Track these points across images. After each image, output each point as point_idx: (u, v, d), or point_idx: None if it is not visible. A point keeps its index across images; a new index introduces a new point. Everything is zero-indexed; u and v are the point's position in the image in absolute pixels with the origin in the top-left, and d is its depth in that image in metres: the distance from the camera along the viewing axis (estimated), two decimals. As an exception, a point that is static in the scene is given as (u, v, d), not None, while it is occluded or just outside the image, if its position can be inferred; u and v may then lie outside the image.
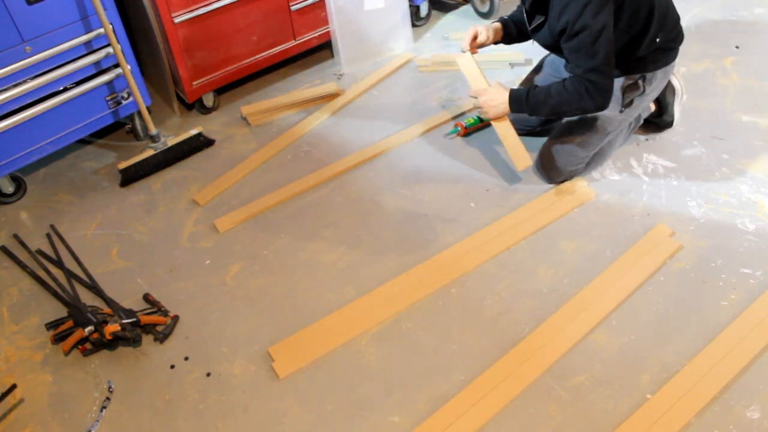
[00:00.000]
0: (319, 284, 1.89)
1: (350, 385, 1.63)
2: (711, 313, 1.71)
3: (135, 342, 1.75)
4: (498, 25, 2.13)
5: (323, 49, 2.88)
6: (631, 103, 1.99)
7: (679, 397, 1.51)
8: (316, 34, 2.69)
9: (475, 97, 2.08)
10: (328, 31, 2.71)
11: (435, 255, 1.92)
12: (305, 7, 2.56)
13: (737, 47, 2.67)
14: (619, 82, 1.97)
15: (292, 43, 2.64)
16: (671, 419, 1.47)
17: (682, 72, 2.54)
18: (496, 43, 2.15)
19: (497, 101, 2.01)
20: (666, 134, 2.27)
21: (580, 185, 2.10)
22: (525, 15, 1.98)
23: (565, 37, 1.81)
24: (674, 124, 2.24)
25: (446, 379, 1.62)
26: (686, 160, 2.17)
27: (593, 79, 1.80)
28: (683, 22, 2.81)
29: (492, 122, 2.09)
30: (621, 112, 2.00)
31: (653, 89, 2.01)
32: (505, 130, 2.07)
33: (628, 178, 2.13)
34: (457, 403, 1.55)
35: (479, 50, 2.15)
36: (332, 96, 2.61)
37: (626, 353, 1.64)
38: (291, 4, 2.52)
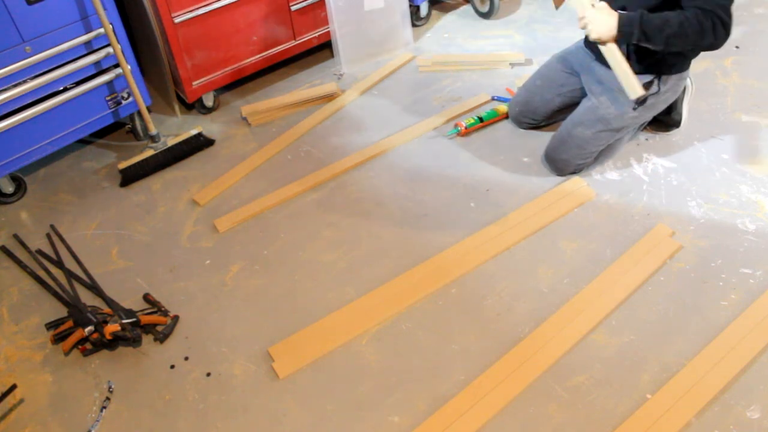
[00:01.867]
0: (319, 284, 1.89)
1: (350, 385, 1.63)
2: (711, 313, 1.71)
3: (135, 342, 1.75)
4: None
5: (323, 49, 2.88)
6: (645, 101, 1.98)
7: (679, 397, 1.51)
8: (316, 34, 2.69)
9: (583, 17, 1.84)
10: (328, 31, 2.71)
11: (435, 255, 1.92)
12: (305, 7, 2.56)
13: (737, 47, 2.67)
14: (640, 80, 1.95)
15: (292, 43, 2.64)
16: (671, 419, 1.47)
17: (682, 72, 2.54)
18: None
19: (601, 20, 1.79)
20: (666, 134, 2.27)
21: (580, 185, 2.10)
22: None
23: None
24: (681, 123, 2.24)
25: (446, 379, 1.62)
26: (686, 160, 2.17)
27: (722, 15, 1.69)
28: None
29: (600, 46, 1.88)
30: (635, 109, 1.99)
31: (668, 91, 2.00)
32: (613, 54, 1.85)
33: (628, 178, 2.13)
34: (457, 403, 1.55)
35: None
36: (332, 96, 2.61)
37: (626, 353, 1.64)
38: (291, 4, 2.52)
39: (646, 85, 1.96)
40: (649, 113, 2.04)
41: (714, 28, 1.70)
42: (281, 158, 2.34)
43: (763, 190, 2.03)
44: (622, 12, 1.78)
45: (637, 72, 1.93)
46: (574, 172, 2.13)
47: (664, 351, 1.63)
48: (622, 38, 1.80)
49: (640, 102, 1.98)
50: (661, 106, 2.06)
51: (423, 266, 1.89)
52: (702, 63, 2.59)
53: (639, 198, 2.05)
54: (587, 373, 1.60)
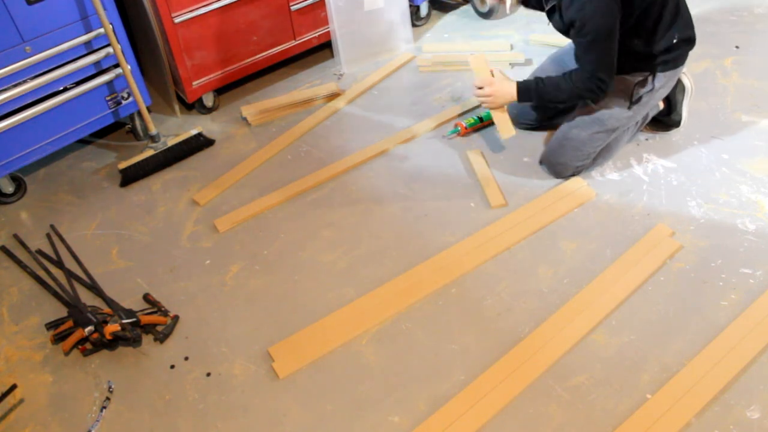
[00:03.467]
0: (319, 284, 1.89)
1: (350, 385, 1.63)
2: (711, 313, 1.71)
3: (135, 342, 1.75)
4: None
5: (323, 49, 2.88)
6: (639, 100, 1.99)
7: (679, 397, 1.51)
8: (316, 34, 2.69)
9: (480, 88, 2.08)
10: (328, 31, 2.71)
11: (435, 255, 1.92)
12: (305, 7, 2.56)
13: (737, 47, 2.67)
14: (629, 79, 1.98)
15: (292, 43, 2.64)
16: (671, 419, 1.47)
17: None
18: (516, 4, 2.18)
19: (504, 92, 2.05)
20: (666, 134, 2.27)
21: (580, 185, 2.10)
22: None
23: (574, 33, 1.84)
24: (681, 123, 2.24)
25: (446, 379, 1.62)
26: (686, 160, 2.17)
27: (603, 78, 1.88)
28: (683, 22, 2.80)
29: (492, 112, 2.14)
30: (629, 108, 2.00)
31: (662, 87, 2.01)
32: (499, 113, 2.13)
33: (628, 178, 2.13)
34: (457, 403, 1.55)
35: (484, 53, 2.14)
36: (332, 96, 2.61)
37: (626, 353, 1.64)
38: (291, 4, 2.52)
39: (641, 83, 1.96)
40: (643, 110, 2.05)
41: (596, 90, 1.91)
42: (281, 158, 2.34)
43: (763, 190, 2.03)
44: (519, 82, 2.02)
45: (631, 70, 1.96)
46: (572, 175, 2.13)
47: (664, 351, 1.63)
48: (519, 102, 2.06)
49: (634, 101, 1.99)
50: (655, 103, 2.07)
51: (423, 266, 1.89)
52: (702, 63, 2.59)
53: (639, 198, 2.05)
54: (587, 373, 1.60)
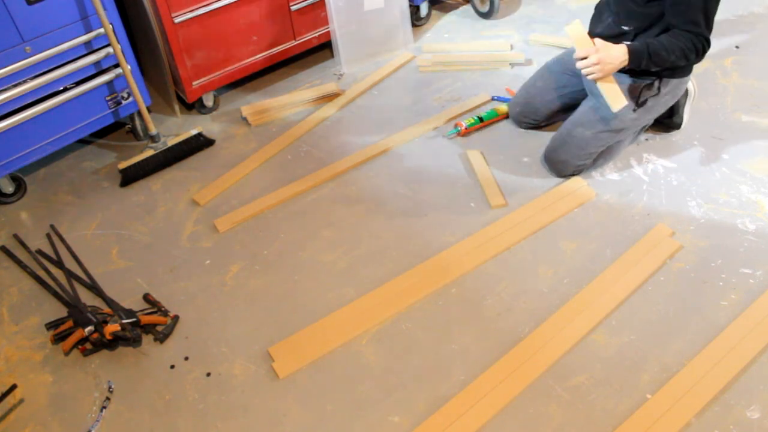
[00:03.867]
0: (319, 284, 1.89)
1: (350, 385, 1.63)
2: (711, 313, 1.71)
3: (135, 342, 1.75)
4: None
5: (323, 49, 2.88)
6: (645, 103, 1.99)
7: (679, 397, 1.51)
8: (316, 34, 2.69)
9: (584, 58, 1.90)
10: (328, 31, 2.71)
11: (435, 255, 1.92)
12: (305, 7, 2.56)
13: (737, 47, 2.67)
14: (637, 82, 1.97)
15: (292, 43, 2.64)
16: (671, 419, 1.47)
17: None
18: None
19: (612, 57, 1.86)
20: (666, 134, 2.27)
21: (580, 185, 2.10)
22: None
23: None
24: (682, 125, 2.24)
25: (446, 379, 1.62)
26: (686, 160, 2.17)
27: (708, 38, 1.85)
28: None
29: (599, 83, 1.94)
30: (634, 111, 2.00)
31: (668, 93, 2.01)
32: (606, 84, 1.95)
33: (628, 178, 2.13)
34: (457, 403, 1.55)
35: (579, 21, 2.00)
36: (332, 96, 2.61)
37: (626, 353, 1.64)
38: (291, 4, 2.52)
39: (647, 87, 1.96)
40: (648, 115, 2.05)
41: (699, 51, 1.86)
42: (281, 158, 2.34)
43: (763, 190, 2.03)
44: (629, 44, 1.87)
45: (640, 74, 1.95)
46: (573, 174, 2.13)
47: (664, 351, 1.63)
48: (632, 65, 1.89)
49: (640, 104, 1.98)
50: (661, 109, 2.07)
51: (423, 266, 1.89)
52: (702, 63, 2.58)
53: (639, 198, 2.05)
54: (587, 373, 1.60)
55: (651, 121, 2.18)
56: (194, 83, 2.45)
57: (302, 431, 1.54)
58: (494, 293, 1.81)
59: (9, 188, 2.22)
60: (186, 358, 1.72)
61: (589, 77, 1.90)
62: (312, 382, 1.64)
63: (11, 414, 1.63)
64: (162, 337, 1.76)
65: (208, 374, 1.68)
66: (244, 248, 2.01)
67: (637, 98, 1.98)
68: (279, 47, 2.61)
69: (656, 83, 1.96)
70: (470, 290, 1.83)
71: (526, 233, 1.96)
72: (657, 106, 2.03)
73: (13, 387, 1.65)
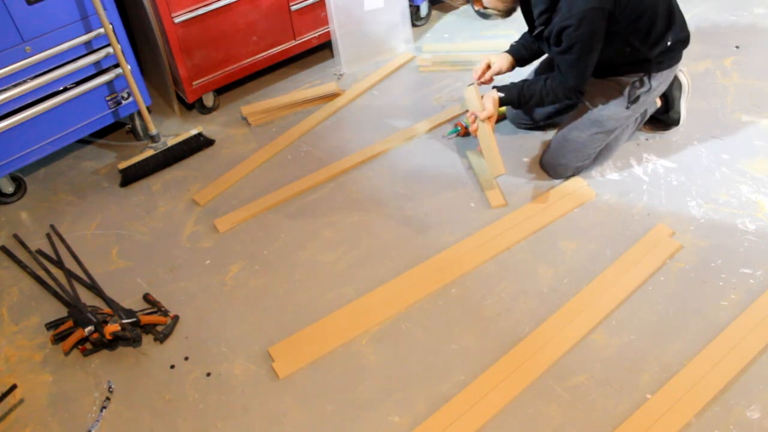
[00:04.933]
0: (319, 284, 1.89)
1: (350, 385, 1.63)
2: (711, 313, 1.71)
3: (135, 342, 1.75)
4: (508, 56, 2.17)
5: (323, 49, 2.88)
6: (637, 99, 2.00)
7: (679, 397, 1.51)
8: (316, 34, 2.69)
9: (473, 121, 2.09)
10: (328, 31, 2.71)
11: (435, 255, 1.92)
12: (305, 7, 2.56)
13: (737, 47, 2.67)
14: (625, 80, 1.98)
15: (292, 43, 2.64)
16: (671, 419, 1.47)
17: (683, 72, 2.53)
18: (510, 70, 2.19)
19: (489, 103, 2.06)
20: (666, 134, 2.27)
21: (580, 185, 2.10)
22: (530, 24, 2.02)
23: (558, 51, 1.87)
24: (681, 122, 2.24)
25: (446, 379, 1.62)
26: (686, 160, 2.17)
27: (581, 90, 1.94)
28: (683, 22, 2.79)
29: (479, 127, 2.09)
30: (627, 108, 2.00)
31: (659, 85, 2.02)
32: (488, 135, 2.07)
33: (628, 178, 2.13)
34: (457, 403, 1.55)
35: (475, 83, 2.16)
36: (332, 96, 2.61)
37: (626, 353, 1.64)
38: (291, 4, 2.52)
39: (638, 83, 1.97)
40: (641, 108, 2.05)
41: (573, 99, 1.97)
42: (281, 158, 2.34)
43: (763, 190, 2.03)
44: (500, 91, 2.05)
45: (626, 72, 1.97)
46: (573, 175, 2.13)
47: (664, 351, 1.63)
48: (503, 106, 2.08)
49: (632, 101, 1.99)
50: (652, 100, 2.07)
51: (423, 266, 1.89)
52: (702, 63, 2.59)
53: (639, 198, 2.05)
54: (587, 373, 1.60)
55: (647, 116, 2.18)
56: (194, 83, 2.45)
57: (302, 431, 1.54)
58: (494, 293, 1.81)
59: (9, 188, 2.22)
60: (186, 358, 1.72)
61: (480, 123, 2.07)
62: (312, 382, 1.64)
63: (11, 414, 1.63)
64: (162, 337, 1.76)
65: (208, 374, 1.68)
66: (244, 248, 2.01)
67: (628, 96, 1.99)
68: (279, 47, 2.60)
69: (645, 78, 1.97)
70: (470, 290, 1.83)
71: (526, 233, 1.96)
72: (649, 99, 2.04)
73: (13, 387, 1.65)
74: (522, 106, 2.11)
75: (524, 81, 2.05)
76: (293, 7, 2.53)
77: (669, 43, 1.92)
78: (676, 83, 2.18)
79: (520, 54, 2.16)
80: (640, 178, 2.12)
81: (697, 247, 1.88)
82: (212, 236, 2.06)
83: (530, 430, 1.50)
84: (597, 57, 1.88)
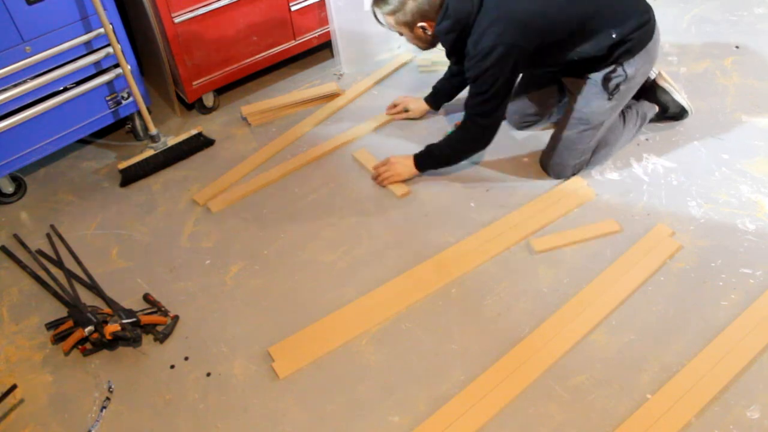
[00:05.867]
0: (319, 284, 1.89)
1: (350, 385, 1.63)
2: (711, 313, 1.71)
3: (135, 342, 1.75)
4: (424, 103, 2.37)
5: (323, 49, 2.88)
6: (617, 88, 1.95)
7: (679, 397, 1.51)
8: (316, 34, 2.69)
9: (377, 175, 2.17)
10: (328, 31, 2.71)
11: (435, 255, 1.92)
12: (305, 7, 2.56)
13: (737, 47, 2.67)
14: (598, 75, 1.96)
15: (292, 43, 2.64)
16: (671, 419, 1.47)
17: (683, 72, 2.54)
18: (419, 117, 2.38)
19: (403, 165, 2.13)
20: (666, 134, 2.27)
21: (580, 185, 2.10)
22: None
23: (473, 87, 1.91)
24: (689, 111, 2.24)
25: (446, 379, 1.62)
26: (686, 160, 2.17)
27: (483, 124, 1.97)
28: (683, 23, 2.82)
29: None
30: (610, 99, 1.98)
31: (637, 71, 1.95)
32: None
33: (628, 178, 2.13)
34: (457, 403, 1.55)
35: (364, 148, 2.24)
36: (332, 96, 2.60)
37: (626, 353, 1.64)
38: (291, 4, 2.52)
39: (611, 74, 1.94)
40: (627, 97, 2.02)
41: (483, 134, 2.01)
42: (281, 158, 2.34)
43: (763, 190, 2.03)
44: (415, 155, 2.12)
45: (593, 71, 1.96)
46: (574, 173, 2.13)
47: (664, 351, 1.63)
48: (422, 171, 2.15)
49: (612, 92, 1.96)
50: (636, 87, 2.02)
51: (423, 266, 1.89)
52: (702, 63, 2.59)
53: (639, 198, 2.05)
54: (587, 373, 1.60)
55: (647, 119, 2.17)
56: (194, 83, 2.45)
57: (302, 431, 1.54)
58: (494, 293, 1.81)
59: (9, 188, 2.22)
60: (186, 358, 1.72)
61: (388, 183, 2.14)
62: (312, 382, 1.64)
63: (11, 414, 1.63)
64: (162, 337, 1.76)
65: (208, 374, 1.68)
66: (244, 248, 2.01)
67: (606, 88, 1.96)
68: (279, 47, 2.60)
69: (617, 68, 1.93)
70: (470, 290, 1.83)
71: (526, 233, 1.96)
72: (631, 88, 2.00)
73: (13, 387, 1.65)
74: (436, 164, 2.14)
75: (432, 145, 2.10)
76: (293, 7, 2.53)
77: (614, 36, 1.86)
78: (659, 90, 2.19)
79: (437, 96, 2.35)
80: (640, 178, 2.12)
81: (697, 247, 1.88)
82: (212, 236, 2.06)
83: (530, 430, 1.50)
84: (508, 95, 1.90)
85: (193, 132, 2.39)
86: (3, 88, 1.96)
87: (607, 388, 1.57)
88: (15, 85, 1.99)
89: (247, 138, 2.46)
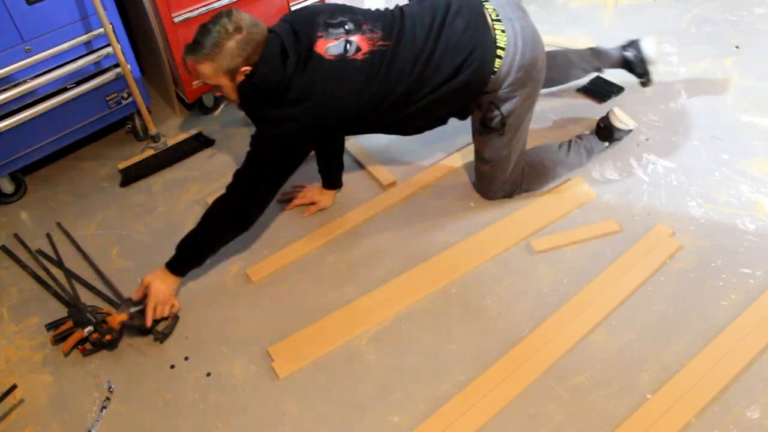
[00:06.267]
0: (319, 284, 1.89)
1: (350, 385, 1.63)
2: (711, 313, 1.71)
3: (145, 330, 1.74)
4: (327, 191, 2.10)
5: (323, 49, 2.88)
6: (504, 124, 1.80)
7: (679, 397, 1.51)
8: (316, 34, 2.69)
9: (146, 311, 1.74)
10: (328, 31, 2.71)
11: (435, 255, 1.92)
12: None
13: (737, 47, 2.67)
14: (476, 120, 1.87)
15: (292, 43, 2.63)
16: (671, 419, 1.47)
17: (683, 72, 2.54)
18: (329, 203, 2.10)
19: (162, 285, 1.73)
20: (666, 134, 2.27)
21: (580, 185, 2.10)
22: None
23: (246, 161, 1.71)
24: (649, 77, 2.25)
25: (446, 379, 1.62)
26: (686, 160, 2.17)
27: (255, 214, 1.75)
28: (683, 23, 2.82)
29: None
30: (502, 134, 1.83)
31: (519, 104, 1.78)
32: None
33: (628, 178, 2.13)
34: (457, 403, 1.55)
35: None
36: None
37: (626, 353, 1.64)
38: (291, 3, 2.52)
39: (488, 118, 1.79)
40: (525, 127, 1.89)
41: (241, 225, 1.73)
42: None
43: (763, 190, 2.03)
44: (166, 265, 1.73)
45: (467, 115, 1.84)
46: (507, 196, 2.06)
47: (664, 351, 1.63)
48: (185, 275, 1.77)
49: (496, 128, 1.81)
50: (529, 115, 1.88)
51: (423, 266, 1.89)
52: (702, 63, 2.58)
53: (639, 198, 2.05)
54: (587, 373, 1.60)
55: (592, 152, 2.12)
56: (194, 83, 2.45)
57: (302, 431, 1.54)
58: (494, 293, 1.81)
59: (9, 188, 2.22)
60: (186, 358, 1.72)
61: (160, 313, 1.74)
62: (312, 382, 1.64)
63: (11, 414, 1.63)
64: (162, 337, 1.76)
65: (208, 374, 1.68)
66: (244, 248, 2.01)
67: (489, 128, 1.82)
68: (279, 47, 2.60)
69: (493, 110, 1.78)
70: (470, 290, 1.83)
71: (526, 233, 1.96)
72: (523, 115, 1.84)
73: (13, 387, 1.65)
74: (197, 257, 1.77)
75: (181, 243, 1.75)
76: (293, 8, 2.53)
77: (454, 83, 1.70)
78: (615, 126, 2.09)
79: (333, 175, 2.07)
80: (640, 178, 2.12)
81: (697, 247, 1.88)
82: (212, 236, 2.06)
83: (530, 430, 1.50)
84: (277, 186, 1.71)
85: (193, 132, 2.39)
86: (3, 88, 1.97)
87: (607, 388, 1.57)
88: (15, 85, 1.99)
89: (247, 138, 2.43)
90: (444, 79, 1.69)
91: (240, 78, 1.63)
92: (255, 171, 1.69)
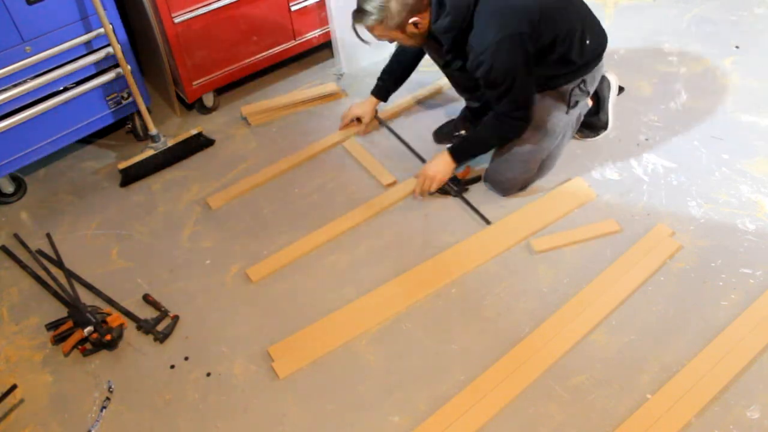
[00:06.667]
0: (319, 284, 1.89)
1: (350, 385, 1.63)
2: (711, 313, 1.71)
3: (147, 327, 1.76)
4: (373, 100, 2.29)
5: (323, 49, 2.87)
6: (576, 103, 2.00)
7: (679, 397, 1.51)
8: (316, 34, 2.69)
9: (420, 192, 2.07)
10: (328, 31, 2.71)
11: (435, 255, 1.92)
12: (305, 7, 2.56)
13: (737, 47, 2.67)
14: (565, 88, 1.96)
15: (292, 43, 2.64)
16: (671, 419, 1.47)
17: (683, 72, 2.54)
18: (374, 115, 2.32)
19: (440, 165, 2.02)
20: (666, 134, 2.27)
21: (580, 186, 2.10)
22: (436, 57, 2.01)
23: (485, 86, 1.85)
24: (608, 125, 2.24)
25: (446, 379, 1.62)
26: (686, 160, 2.17)
27: (522, 117, 1.91)
28: (683, 23, 2.82)
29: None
30: (567, 113, 2.00)
31: (593, 86, 2.04)
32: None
33: (628, 178, 2.13)
34: (457, 403, 1.55)
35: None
36: (332, 96, 2.60)
37: (626, 353, 1.64)
38: (291, 3, 2.51)
39: (576, 90, 1.97)
40: (577, 111, 2.04)
41: (514, 129, 1.95)
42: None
43: (763, 190, 2.03)
44: (448, 148, 2.02)
45: (564, 81, 1.95)
46: (521, 189, 2.09)
47: (664, 351, 1.63)
48: (460, 165, 2.07)
49: (572, 105, 1.99)
50: (585, 101, 2.07)
51: (423, 266, 1.89)
52: (702, 63, 2.59)
53: (639, 198, 2.05)
54: (587, 373, 1.60)
55: (581, 118, 2.13)
56: (194, 83, 2.45)
57: (302, 431, 1.54)
58: (494, 293, 1.81)
59: (9, 188, 2.22)
60: (186, 358, 1.72)
61: (428, 192, 2.06)
62: (312, 382, 1.64)
63: (11, 414, 1.63)
64: (162, 337, 1.76)
65: (208, 374, 1.68)
66: (244, 248, 2.01)
67: (568, 101, 1.97)
68: (279, 47, 2.60)
69: (582, 85, 1.96)
70: (470, 290, 1.83)
71: (526, 233, 1.96)
72: (583, 100, 2.04)
73: (13, 387, 1.65)
74: (472, 155, 2.09)
75: (466, 135, 2.04)
76: (293, 7, 2.53)
77: (589, 43, 1.90)
78: (605, 82, 2.18)
79: (384, 90, 2.26)
80: (640, 178, 2.12)
81: (697, 247, 1.88)
82: (212, 236, 2.06)
83: (530, 430, 1.50)
84: (533, 80, 1.84)
85: (193, 132, 2.39)
86: (3, 88, 1.97)
87: (607, 388, 1.57)
88: (15, 85, 1.99)
89: (247, 138, 2.46)
90: (596, 39, 1.92)
91: (411, 29, 1.81)
92: (507, 99, 1.83)
